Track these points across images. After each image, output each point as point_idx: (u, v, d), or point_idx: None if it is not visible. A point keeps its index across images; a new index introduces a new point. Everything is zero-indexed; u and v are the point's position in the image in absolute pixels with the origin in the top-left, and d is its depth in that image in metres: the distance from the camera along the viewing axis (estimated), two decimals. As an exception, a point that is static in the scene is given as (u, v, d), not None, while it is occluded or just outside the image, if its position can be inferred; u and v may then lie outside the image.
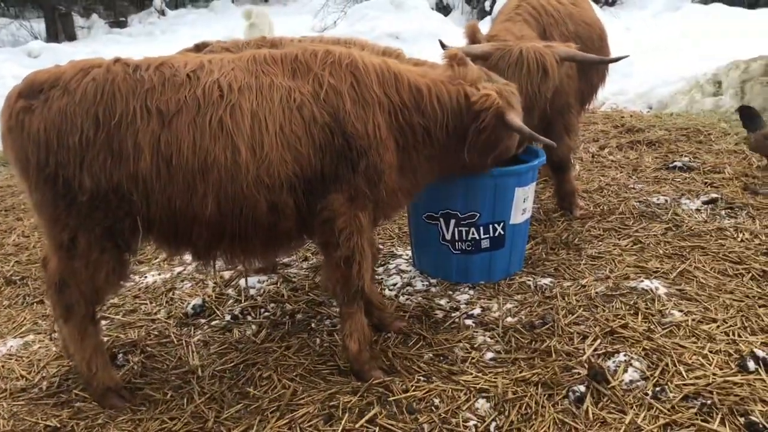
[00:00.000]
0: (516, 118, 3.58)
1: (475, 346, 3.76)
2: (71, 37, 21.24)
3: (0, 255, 5.66)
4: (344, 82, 3.28)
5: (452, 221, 4.25)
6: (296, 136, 3.18)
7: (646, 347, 3.56)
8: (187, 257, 5.11)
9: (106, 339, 3.99)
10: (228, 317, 4.30)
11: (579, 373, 3.41)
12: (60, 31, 21.03)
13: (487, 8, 17.71)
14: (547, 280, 4.40)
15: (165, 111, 3.06)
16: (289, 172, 3.19)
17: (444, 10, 19.80)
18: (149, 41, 18.07)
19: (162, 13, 23.91)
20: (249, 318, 4.28)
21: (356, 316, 3.57)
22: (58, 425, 3.34)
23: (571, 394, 3.28)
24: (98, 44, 18.46)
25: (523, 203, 4.27)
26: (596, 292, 4.16)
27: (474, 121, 3.51)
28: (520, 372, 3.49)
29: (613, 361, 3.48)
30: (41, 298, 4.83)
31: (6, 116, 3.12)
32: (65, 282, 3.29)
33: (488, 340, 3.80)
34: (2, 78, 13.72)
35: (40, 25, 21.98)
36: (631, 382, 3.32)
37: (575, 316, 3.93)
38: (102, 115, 3.02)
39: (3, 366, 3.93)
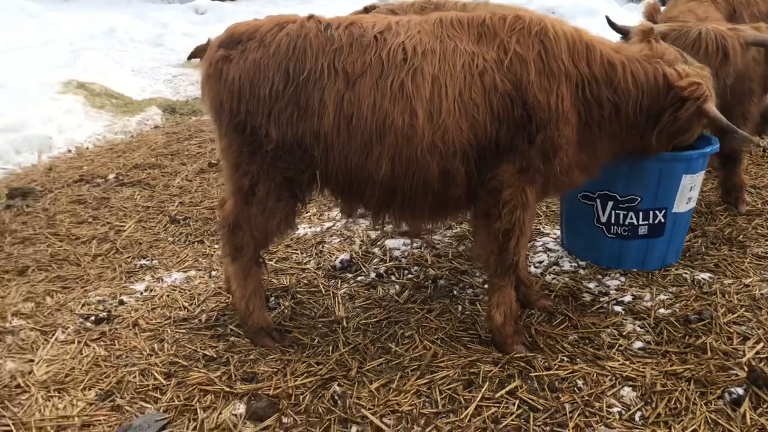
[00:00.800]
0: (714, 107, 3.38)
1: (624, 333, 3.64)
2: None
3: (166, 195, 6.09)
4: (531, 50, 3.19)
5: (610, 203, 4.10)
6: (475, 103, 3.15)
7: (817, 358, 3.31)
8: (336, 215, 5.31)
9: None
10: (373, 275, 4.41)
11: (737, 375, 3.23)
12: (224, -11, 22.07)
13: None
14: (705, 275, 4.16)
15: (350, 72, 3.15)
16: (464, 140, 3.17)
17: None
18: (307, 2, 18.55)
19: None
20: (393, 278, 4.37)
21: (506, 290, 3.54)
22: (215, 355, 3.59)
23: (726, 395, 3.11)
24: (257, 5, 19.18)
25: (689, 192, 4.04)
26: (761, 294, 3.90)
27: (673, 106, 3.34)
28: (671, 365, 3.35)
29: (777, 368, 3.26)
30: (202, 238, 5.17)
31: (206, 64, 3.33)
32: (239, 224, 3.50)
33: (638, 329, 3.67)
34: (172, 33, 14.68)
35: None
36: (797, 392, 3.11)
37: (736, 315, 3.71)
38: (292, 69, 3.16)
39: (168, 296, 4.26)
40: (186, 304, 4.14)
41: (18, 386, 3.39)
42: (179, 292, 4.30)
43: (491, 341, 3.62)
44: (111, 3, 20.06)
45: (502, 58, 3.17)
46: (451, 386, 3.28)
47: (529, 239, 3.93)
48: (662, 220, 4.08)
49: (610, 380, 3.26)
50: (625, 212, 4.09)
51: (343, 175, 3.29)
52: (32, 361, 3.59)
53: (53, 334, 3.83)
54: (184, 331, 3.85)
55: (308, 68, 3.15)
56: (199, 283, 4.43)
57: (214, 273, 4.52)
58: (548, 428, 2.99)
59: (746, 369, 3.23)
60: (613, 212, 4.12)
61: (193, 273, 4.58)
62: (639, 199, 4.02)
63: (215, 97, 3.29)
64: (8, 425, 3.09)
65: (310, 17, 3.29)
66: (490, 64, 3.16)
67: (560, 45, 3.21)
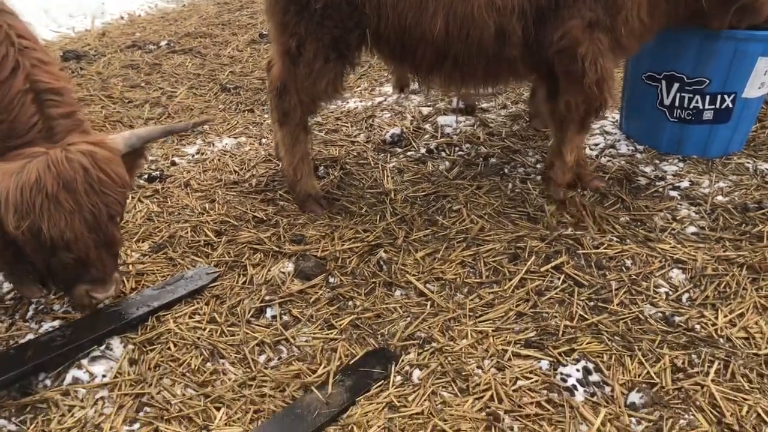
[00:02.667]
0: None
1: (677, 217, 3.55)
2: None
3: (216, 64, 6.04)
4: None
5: (676, 85, 3.90)
6: None
7: None
8: (388, 89, 5.20)
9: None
10: (423, 150, 4.36)
11: (792, 263, 3.15)
12: None
13: None
14: (769, 166, 4.00)
15: None
16: None
17: None
18: None
19: None
20: (443, 154, 4.31)
21: (582, 135, 3.61)
22: (264, 217, 3.64)
23: (779, 282, 3.04)
24: None
25: (763, 76, 3.80)
26: (827, 186, 3.74)
27: None
28: (724, 251, 3.28)
29: (836, 259, 3.16)
30: (252, 107, 5.16)
31: None
32: (286, 88, 3.43)
33: (693, 214, 3.57)
34: None
35: None
36: None
37: (798, 206, 3.58)
38: None
39: (218, 160, 4.30)
40: (236, 168, 4.17)
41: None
42: (230, 156, 4.33)
43: (545, 185, 3.76)
44: None
45: None
46: (496, 259, 3.28)
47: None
48: (730, 105, 3.88)
49: (660, 261, 3.22)
50: (691, 95, 3.89)
51: (395, 33, 3.19)
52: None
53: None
54: (234, 193, 3.90)
55: None
56: (250, 149, 4.45)
57: (264, 140, 4.53)
58: (592, 303, 2.99)
59: (803, 258, 3.14)
60: (678, 95, 3.93)
61: (243, 139, 4.60)
62: (708, 81, 3.80)
63: None
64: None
65: None
66: None
67: None
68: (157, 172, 4.08)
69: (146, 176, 4.04)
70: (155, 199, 3.82)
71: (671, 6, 3.32)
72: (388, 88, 5.34)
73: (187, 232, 3.51)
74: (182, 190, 3.91)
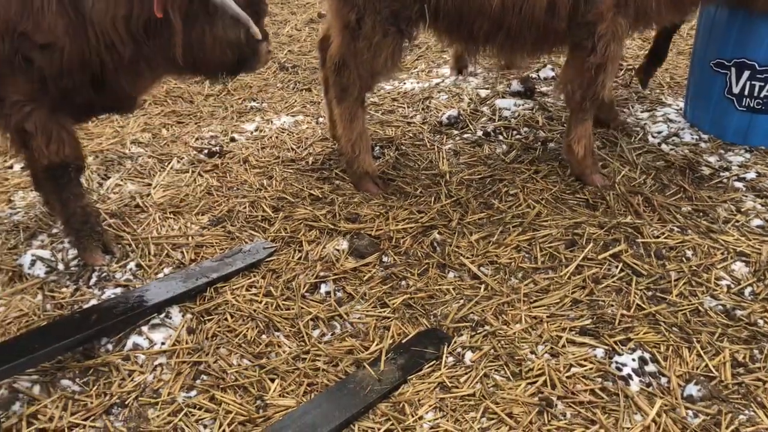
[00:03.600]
0: None
1: (742, 209, 3.44)
2: None
3: (275, 43, 6.08)
4: None
5: (746, 73, 3.77)
6: None
7: None
8: (446, 71, 5.17)
9: (365, 131, 4.21)
10: (480, 133, 4.32)
11: None
12: None
13: None
14: (843, 159, 3.84)
15: None
16: None
17: None
18: None
19: None
20: (500, 137, 4.27)
21: (587, 123, 3.65)
22: (320, 195, 3.67)
23: None
24: None
25: (840, 64, 3.66)
26: None
27: None
28: (791, 246, 3.17)
29: None
30: (309, 86, 5.19)
31: None
32: (345, 63, 3.45)
33: (759, 206, 3.46)
34: None
35: None
36: None
37: None
38: None
39: (276, 137, 4.35)
40: (294, 146, 4.21)
41: (137, 206, 3.61)
42: (287, 134, 4.38)
43: (572, 173, 3.76)
44: None
45: None
46: (552, 244, 3.25)
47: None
48: (803, 95, 3.74)
49: (722, 254, 3.13)
50: (763, 83, 3.75)
51: (455, 7, 3.24)
52: (150, 185, 3.79)
53: (169, 163, 4.01)
54: (291, 170, 3.94)
55: None
56: (307, 127, 4.48)
57: (321, 119, 4.55)
58: (650, 293, 2.94)
59: None
60: (748, 83, 3.80)
61: (300, 118, 4.63)
62: (781, 69, 3.67)
63: None
64: (128, 240, 3.32)
65: None
66: None
67: None
68: (217, 148, 4.14)
69: (206, 151, 4.11)
70: (215, 174, 3.89)
71: None
72: (445, 70, 5.30)
73: (245, 207, 3.56)
74: (241, 166, 3.97)
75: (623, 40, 3.49)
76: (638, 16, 3.39)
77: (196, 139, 4.30)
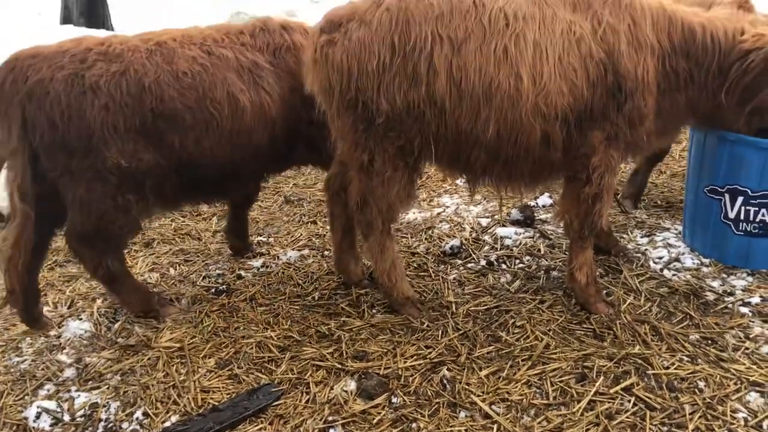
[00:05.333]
0: None
1: (751, 336, 3.43)
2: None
3: (280, 177, 6.24)
4: (622, 22, 3.32)
5: (740, 198, 3.87)
6: (573, 68, 3.26)
7: None
8: (446, 200, 5.29)
9: (369, 264, 4.25)
10: (483, 262, 4.38)
11: None
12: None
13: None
14: None
15: (454, 37, 3.21)
16: (564, 103, 3.28)
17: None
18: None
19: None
20: (504, 266, 4.32)
21: (587, 251, 3.74)
22: (327, 332, 3.67)
23: None
24: None
25: (830, 189, 3.75)
26: None
27: (739, 59, 3.42)
28: (804, 373, 3.14)
29: None
30: (315, 218, 5.31)
31: (311, 51, 3.41)
32: (365, 200, 3.60)
33: (767, 332, 3.45)
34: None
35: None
36: None
37: None
38: (398, 41, 3.23)
39: (283, 272, 4.40)
40: (300, 281, 4.26)
41: (144, 350, 3.60)
42: (294, 269, 4.43)
43: (576, 302, 3.78)
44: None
45: (596, 27, 3.29)
46: (563, 379, 3.21)
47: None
48: (798, 219, 3.82)
49: (735, 384, 3.09)
50: (757, 208, 3.84)
51: (453, 138, 3.39)
52: (157, 328, 3.81)
53: (177, 304, 4.04)
54: (297, 307, 3.96)
55: (413, 37, 3.21)
56: (313, 261, 4.55)
57: (326, 253, 4.63)
58: (665, 428, 2.88)
59: None
60: (743, 208, 3.89)
61: (306, 252, 4.71)
62: (774, 194, 3.77)
63: (323, 79, 3.36)
64: (135, 385, 3.29)
65: None
66: (586, 33, 3.28)
67: (647, 19, 3.35)
68: (224, 286, 4.19)
69: (213, 290, 4.16)
70: (222, 314, 3.91)
71: (688, 110, 3.62)
72: (446, 199, 5.44)
73: (251, 348, 3.56)
74: (248, 304, 4.00)
75: (617, 171, 3.63)
76: (629, 147, 3.54)
77: (204, 277, 4.36)
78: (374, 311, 3.86)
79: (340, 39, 3.31)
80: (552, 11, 3.28)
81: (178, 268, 4.54)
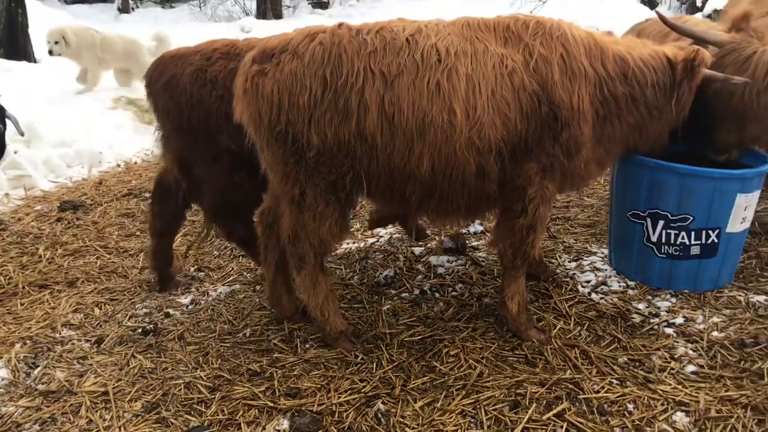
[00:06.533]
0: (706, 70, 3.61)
1: (675, 356, 3.53)
2: (278, 15, 22.61)
3: (211, 209, 6.15)
4: (554, 53, 3.35)
5: (661, 222, 4.00)
6: (506, 101, 3.28)
7: None
8: (380, 230, 5.29)
9: (302, 298, 4.19)
10: (417, 291, 4.38)
11: (797, 403, 3.10)
12: (268, 9, 22.46)
13: (699, 3, 16.45)
14: (761, 298, 4.02)
15: (387, 73, 3.22)
16: (498, 136, 3.31)
17: (650, 3, 18.68)
18: (345, 17, 18.75)
19: (362, -5, 24.72)
20: (437, 295, 4.33)
21: (520, 280, 3.77)
22: (258, 370, 3.59)
23: (786, 423, 2.99)
24: (301, 23, 19.46)
25: (744, 211, 3.92)
26: (821, 318, 3.75)
27: (688, 76, 3.55)
28: (726, 391, 3.24)
29: (840, 396, 3.12)
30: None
31: (242, 80, 3.37)
32: (297, 234, 3.56)
33: (690, 352, 3.56)
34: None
35: (251, 3, 23.63)
36: None
37: (794, 340, 3.57)
38: (329, 75, 3.21)
39: (213, 309, 4.29)
40: (231, 318, 4.16)
41: (65, 396, 3.44)
42: (224, 305, 4.33)
43: (508, 329, 3.82)
44: (158, 20, 20.58)
45: (528, 59, 3.33)
46: (497, 407, 3.22)
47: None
48: (715, 240, 3.96)
49: (662, 404, 3.16)
50: (677, 231, 3.98)
51: (386, 173, 3.38)
52: (81, 372, 3.64)
53: (101, 345, 3.88)
54: (228, 344, 3.86)
55: (345, 72, 3.20)
56: (244, 297, 4.46)
57: (258, 287, 4.55)
58: (598, 453, 2.91)
59: (807, 397, 3.10)
60: (664, 231, 4.02)
61: (237, 287, 4.62)
62: (691, 218, 3.91)
63: (253, 110, 3.33)
64: (57, 435, 3.14)
65: (341, 25, 3.37)
66: (518, 65, 3.31)
67: (579, 48, 3.40)
68: (151, 326, 4.05)
69: (140, 330, 4.01)
70: (149, 355, 3.77)
71: (631, 135, 3.68)
72: (379, 229, 5.43)
73: (180, 389, 3.44)
74: (176, 343, 3.88)
75: (551, 203, 3.68)
76: (566, 176, 3.56)
77: (130, 317, 4.21)
78: (307, 346, 3.81)
79: (271, 70, 3.28)
80: (484, 45, 3.32)
81: (103, 307, 4.38)
